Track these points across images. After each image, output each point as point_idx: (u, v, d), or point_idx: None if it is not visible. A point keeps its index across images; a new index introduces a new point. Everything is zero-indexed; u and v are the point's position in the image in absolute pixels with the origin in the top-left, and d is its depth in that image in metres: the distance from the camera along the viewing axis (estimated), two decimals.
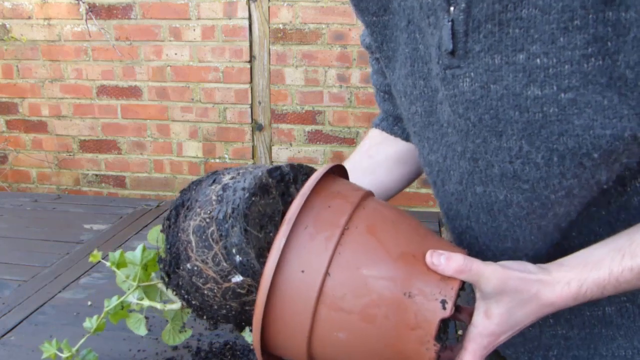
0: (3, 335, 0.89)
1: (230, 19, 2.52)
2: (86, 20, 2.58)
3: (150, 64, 2.63)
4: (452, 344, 0.64)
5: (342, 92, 2.53)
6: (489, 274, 0.53)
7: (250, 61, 2.56)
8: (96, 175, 2.85)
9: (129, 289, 0.74)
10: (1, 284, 1.08)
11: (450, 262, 0.53)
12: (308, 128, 2.61)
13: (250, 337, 0.73)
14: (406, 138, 0.82)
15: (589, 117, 0.48)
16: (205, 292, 0.58)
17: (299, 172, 0.62)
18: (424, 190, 2.57)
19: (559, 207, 0.57)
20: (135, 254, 0.73)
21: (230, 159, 2.70)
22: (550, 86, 0.49)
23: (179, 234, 0.59)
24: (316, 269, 0.53)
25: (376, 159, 0.85)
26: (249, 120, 2.63)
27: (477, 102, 0.54)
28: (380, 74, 0.80)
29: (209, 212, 0.56)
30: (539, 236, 0.61)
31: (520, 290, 0.53)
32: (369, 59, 0.82)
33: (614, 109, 0.47)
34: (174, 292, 0.62)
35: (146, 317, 0.76)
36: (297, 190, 0.61)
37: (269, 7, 2.48)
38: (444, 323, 0.54)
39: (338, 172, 0.66)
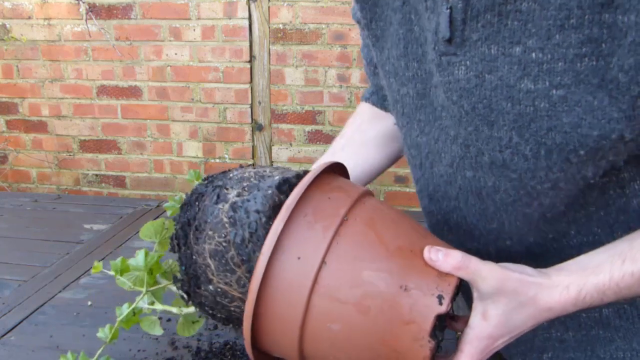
0: (3, 335, 0.89)
1: (230, 19, 2.52)
2: (86, 20, 2.58)
3: (150, 64, 2.63)
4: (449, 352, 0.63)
5: (342, 92, 2.53)
6: (486, 273, 0.53)
7: (250, 61, 2.56)
8: (96, 175, 2.86)
9: (136, 291, 0.74)
10: (1, 284, 1.08)
11: (448, 258, 0.53)
12: (308, 128, 2.61)
13: None
14: None
15: (578, 115, 0.48)
16: (232, 308, 0.58)
17: None
18: None
19: (544, 198, 0.57)
20: (138, 260, 0.74)
21: (230, 159, 2.70)
22: (543, 81, 0.49)
23: (194, 257, 0.58)
24: (313, 256, 0.52)
25: (368, 135, 0.85)
26: (249, 120, 2.63)
27: (471, 91, 0.55)
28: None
29: (223, 235, 0.56)
30: (525, 222, 0.61)
31: (519, 292, 0.53)
32: (360, 31, 0.80)
33: (603, 110, 0.47)
34: (197, 308, 0.62)
35: (159, 318, 0.76)
36: None
37: (269, 7, 2.48)
38: (440, 322, 0.53)
39: (339, 171, 0.66)
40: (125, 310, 0.73)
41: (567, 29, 0.47)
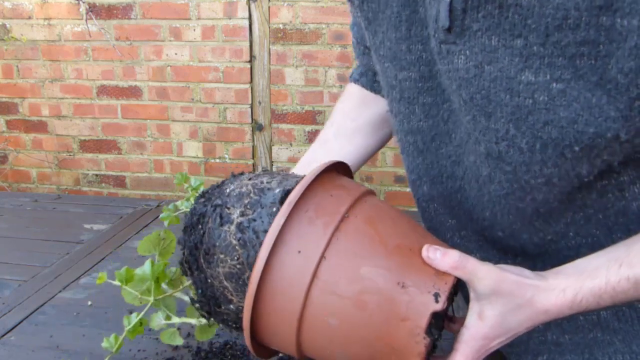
0: (3, 335, 0.89)
1: (230, 19, 2.52)
2: (86, 20, 2.58)
3: (150, 64, 2.63)
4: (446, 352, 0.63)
5: (342, 92, 2.53)
6: (483, 273, 0.53)
7: (250, 61, 2.56)
8: (96, 175, 2.86)
9: (140, 302, 0.75)
10: (1, 284, 1.08)
11: (446, 257, 0.53)
12: (308, 128, 2.61)
13: None
14: None
15: (575, 111, 0.49)
16: None
17: None
18: None
19: (537, 193, 0.57)
20: (145, 269, 0.74)
21: (230, 159, 2.70)
22: (544, 74, 0.49)
23: (209, 280, 0.59)
24: (313, 251, 0.53)
25: (358, 122, 0.85)
26: (249, 120, 2.63)
27: (469, 81, 0.55)
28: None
29: (236, 258, 0.56)
30: (517, 217, 0.61)
31: (515, 294, 0.53)
32: (349, 7, 0.78)
33: (601, 108, 0.47)
34: (220, 324, 0.63)
35: (178, 329, 0.78)
36: None
37: (269, 7, 2.48)
38: (437, 320, 0.54)
39: (342, 171, 0.67)
40: (133, 320, 0.74)
41: (564, 29, 0.47)
